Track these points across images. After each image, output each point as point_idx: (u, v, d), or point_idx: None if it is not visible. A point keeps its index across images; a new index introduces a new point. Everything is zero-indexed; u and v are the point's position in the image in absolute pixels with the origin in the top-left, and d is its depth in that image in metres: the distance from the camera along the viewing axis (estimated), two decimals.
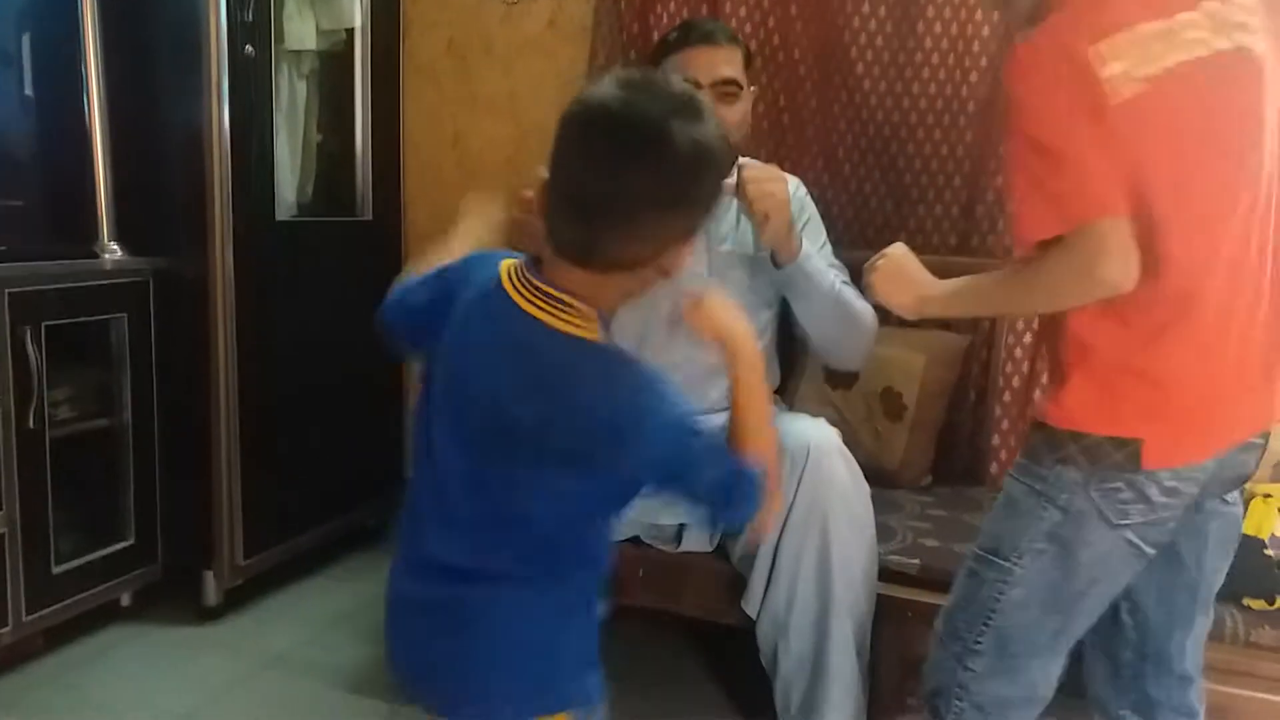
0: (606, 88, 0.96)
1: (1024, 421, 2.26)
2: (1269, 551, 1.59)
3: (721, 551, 1.76)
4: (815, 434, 1.65)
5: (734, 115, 1.78)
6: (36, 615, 2.01)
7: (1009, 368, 2.26)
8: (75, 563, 2.10)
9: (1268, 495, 1.64)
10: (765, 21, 2.39)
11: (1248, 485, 1.34)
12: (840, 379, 2.18)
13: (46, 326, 1.98)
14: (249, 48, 2.21)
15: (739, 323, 1.04)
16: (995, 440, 2.27)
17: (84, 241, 2.19)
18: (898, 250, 1.36)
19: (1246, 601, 1.60)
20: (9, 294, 1.90)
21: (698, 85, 1.75)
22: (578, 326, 0.98)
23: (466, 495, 1.03)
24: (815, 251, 1.77)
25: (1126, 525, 1.19)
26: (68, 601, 2.08)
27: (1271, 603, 1.60)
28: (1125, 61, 1.11)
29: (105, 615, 2.24)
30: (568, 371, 0.98)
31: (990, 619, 1.27)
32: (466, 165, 2.79)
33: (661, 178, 0.93)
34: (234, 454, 2.26)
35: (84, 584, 2.12)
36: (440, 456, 1.04)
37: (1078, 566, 1.22)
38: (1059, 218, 1.11)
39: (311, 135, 2.61)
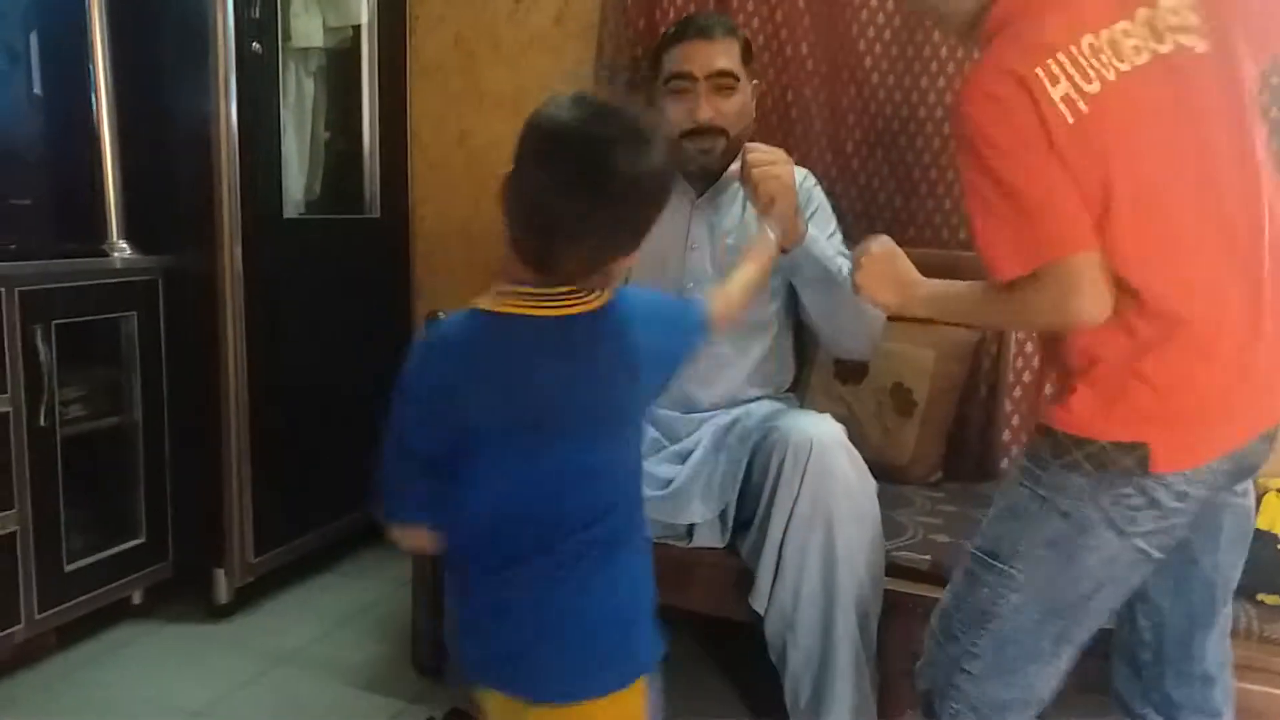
0: (566, 109, 1.01)
1: (1035, 417, 2.25)
2: None
3: (732, 547, 1.76)
4: (819, 429, 1.65)
5: (731, 106, 1.81)
6: (48, 613, 2.02)
7: (1019, 363, 2.24)
8: (87, 561, 2.11)
9: None
10: (773, 15, 2.38)
11: (1261, 480, 1.34)
12: (850, 374, 2.17)
13: (57, 325, 1.99)
14: (256, 45, 2.21)
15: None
16: (1006, 436, 2.26)
17: (93, 240, 2.20)
18: (884, 245, 1.35)
19: (1261, 597, 1.59)
20: (19, 293, 1.91)
21: (693, 78, 1.79)
22: (597, 297, 1.06)
23: (577, 482, 1.07)
24: (824, 238, 1.77)
25: (1136, 534, 1.17)
26: (79, 599, 2.09)
27: None
28: (1070, 81, 1.10)
29: (116, 613, 2.25)
30: (627, 329, 1.09)
31: (988, 623, 1.25)
32: (474, 161, 2.79)
33: (603, 204, 0.99)
34: (244, 451, 2.27)
35: (95, 582, 2.13)
36: (542, 466, 1.06)
37: (1080, 573, 1.20)
38: (1026, 260, 1.11)
39: (319, 132, 2.61)
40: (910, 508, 1.95)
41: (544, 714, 1.08)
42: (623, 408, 1.11)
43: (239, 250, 2.20)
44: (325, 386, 2.51)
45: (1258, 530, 1.42)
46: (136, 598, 2.29)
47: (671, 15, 2.43)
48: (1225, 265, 1.14)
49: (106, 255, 2.18)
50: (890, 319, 1.77)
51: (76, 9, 2.14)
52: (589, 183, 0.98)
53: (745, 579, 1.69)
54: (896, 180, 2.34)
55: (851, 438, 1.69)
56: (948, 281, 1.30)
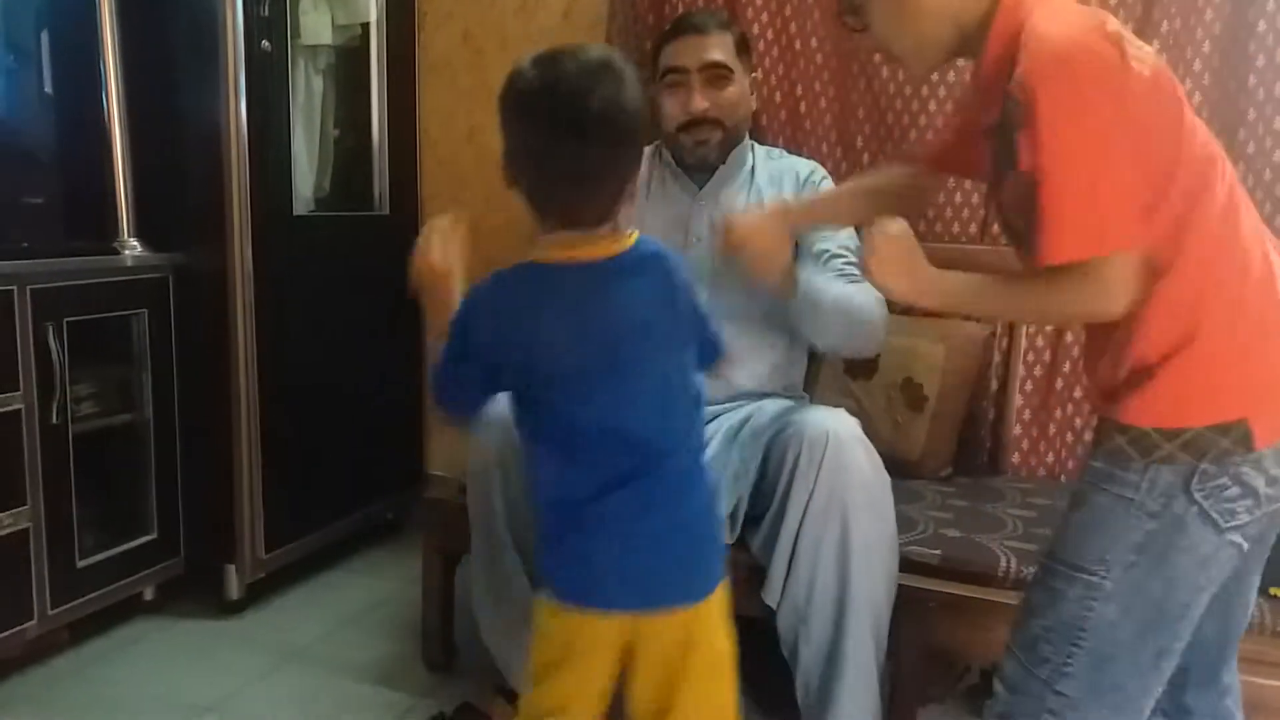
0: (531, 69, 1.12)
1: (1045, 411, 2.25)
2: None
3: (742, 542, 1.75)
4: (835, 423, 1.64)
5: (726, 97, 1.85)
6: (60, 609, 2.03)
7: (1030, 357, 2.24)
8: (98, 557, 2.11)
9: None
10: (782, 10, 2.38)
11: None
12: (860, 370, 2.17)
13: (68, 323, 1.99)
14: (266, 43, 2.21)
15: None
16: (1017, 430, 2.26)
17: (104, 238, 2.20)
18: (901, 227, 1.27)
19: (1273, 591, 1.57)
20: (31, 290, 1.92)
21: (686, 71, 1.84)
22: (630, 234, 1.19)
23: (654, 400, 1.19)
24: (832, 245, 1.79)
25: (1234, 527, 1.11)
26: (91, 595, 2.10)
27: None
28: (1134, 46, 1.10)
29: (128, 609, 2.25)
30: (663, 260, 1.21)
31: (1080, 639, 1.15)
32: (483, 158, 2.79)
33: (595, 132, 1.10)
34: (255, 448, 2.27)
35: (107, 578, 2.14)
36: (622, 387, 1.17)
37: (1178, 576, 1.12)
38: (1079, 246, 1.07)
39: (328, 130, 2.62)
40: (921, 502, 1.95)
41: (657, 624, 1.19)
42: (674, 331, 1.21)
43: (249, 248, 2.20)
44: (335, 383, 2.52)
45: None
46: (148, 594, 2.29)
47: (680, 9, 2.43)
48: (1263, 232, 1.16)
49: (117, 253, 2.19)
50: (902, 313, 1.76)
51: (87, 8, 2.15)
52: (578, 118, 1.08)
53: (755, 574, 1.69)
54: None
55: None
56: (959, 274, 1.26)
